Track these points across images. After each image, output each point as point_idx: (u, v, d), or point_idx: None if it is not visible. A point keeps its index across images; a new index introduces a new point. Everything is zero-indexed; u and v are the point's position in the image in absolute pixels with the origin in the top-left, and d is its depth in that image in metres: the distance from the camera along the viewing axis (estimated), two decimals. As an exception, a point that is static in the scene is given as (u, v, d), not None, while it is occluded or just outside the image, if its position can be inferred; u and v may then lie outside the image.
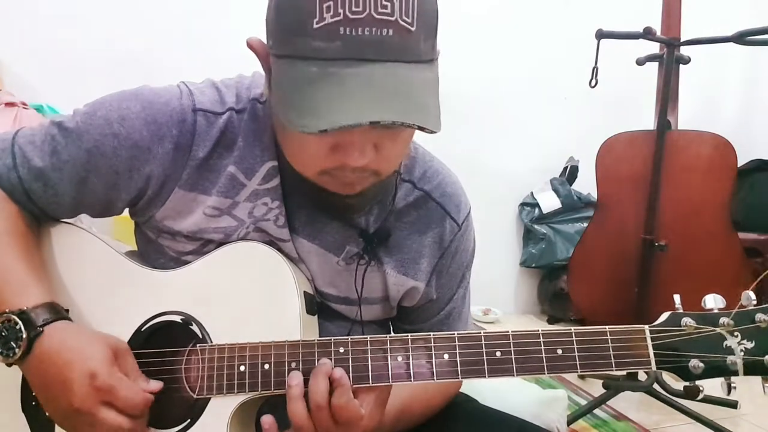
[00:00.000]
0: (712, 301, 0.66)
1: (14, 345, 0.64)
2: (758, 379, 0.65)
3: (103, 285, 0.77)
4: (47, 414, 0.68)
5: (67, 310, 0.74)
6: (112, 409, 0.64)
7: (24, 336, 0.64)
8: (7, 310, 0.65)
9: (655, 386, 1.88)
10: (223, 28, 2.22)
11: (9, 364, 0.65)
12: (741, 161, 1.90)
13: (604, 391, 1.87)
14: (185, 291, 0.75)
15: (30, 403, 0.74)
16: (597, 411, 1.89)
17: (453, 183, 0.86)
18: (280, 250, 0.77)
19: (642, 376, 1.93)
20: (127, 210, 0.80)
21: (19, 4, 2.04)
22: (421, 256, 0.82)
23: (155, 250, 0.79)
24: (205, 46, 2.16)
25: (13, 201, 0.75)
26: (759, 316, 0.64)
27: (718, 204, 1.78)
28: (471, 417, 0.87)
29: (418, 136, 0.79)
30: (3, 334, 0.64)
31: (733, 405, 1.90)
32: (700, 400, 1.92)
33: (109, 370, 0.64)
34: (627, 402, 1.96)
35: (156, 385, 0.70)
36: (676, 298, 0.68)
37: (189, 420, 0.71)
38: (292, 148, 0.70)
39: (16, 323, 0.64)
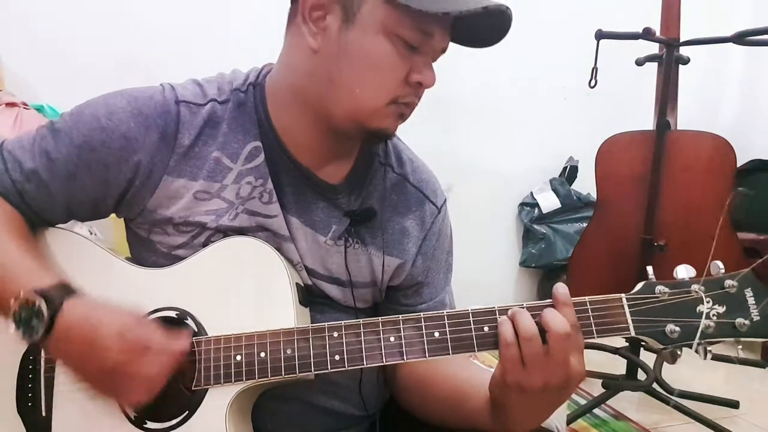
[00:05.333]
0: (684, 271, 0.69)
1: (36, 323, 0.64)
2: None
3: (98, 285, 0.76)
4: (81, 386, 0.68)
5: None
6: (148, 359, 0.64)
7: (45, 313, 0.64)
8: (21, 292, 0.66)
9: (655, 386, 1.89)
10: (223, 29, 2.22)
11: (33, 343, 0.66)
12: (740, 161, 1.91)
13: (604, 390, 1.88)
14: (179, 287, 0.76)
15: (26, 404, 0.74)
16: (596, 410, 1.89)
17: (428, 171, 0.91)
18: (270, 228, 0.78)
19: (641, 375, 1.94)
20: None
21: (20, 5, 2.04)
22: (404, 236, 0.86)
23: (147, 249, 0.81)
24: (205, 46, 2.16)
25: (8, 203, 0.77)
26: (728, 282, 0.67)
27: (717, 204, 1.79)
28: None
29: (415, 135, 0.79)
30: (23, 315, 0.65)
31: (734, 405, 1.90)
32: (701, 400, 1.91)
33: (137, 324, 0.66)
34: (626, 401, 1.97)
35: (186, 336, 0.68)
36: (649, 269, 0.71)
37: (187, 412, 0.72)
38: (363, 85, 0.72)
39: (35, 303, 0.65)
